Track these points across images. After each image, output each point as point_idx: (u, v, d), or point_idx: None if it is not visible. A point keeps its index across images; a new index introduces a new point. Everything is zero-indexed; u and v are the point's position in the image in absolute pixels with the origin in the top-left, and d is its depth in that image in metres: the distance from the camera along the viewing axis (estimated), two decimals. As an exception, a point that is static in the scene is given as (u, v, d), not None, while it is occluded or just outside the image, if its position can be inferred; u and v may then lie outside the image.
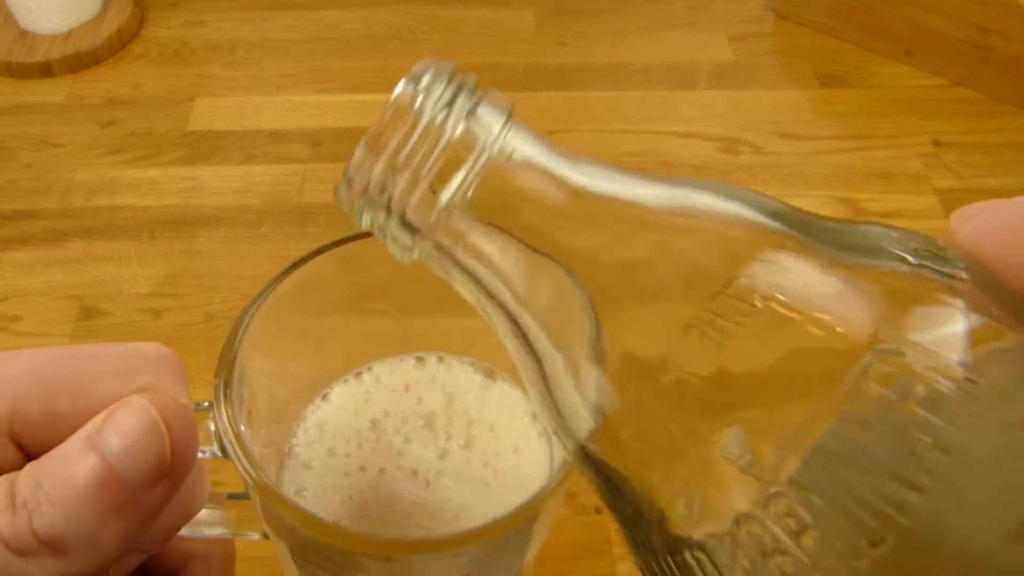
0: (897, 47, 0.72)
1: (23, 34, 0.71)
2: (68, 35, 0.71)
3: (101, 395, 0.16)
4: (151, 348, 0.19)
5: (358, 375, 0.24)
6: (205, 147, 0.64)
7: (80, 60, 0.70)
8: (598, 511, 0.45)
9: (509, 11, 0.77)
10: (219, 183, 0.62)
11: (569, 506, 0.45)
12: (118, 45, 0.72)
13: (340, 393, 0.23)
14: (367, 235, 0.22)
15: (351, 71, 0.71)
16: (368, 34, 0.75)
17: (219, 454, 0.20)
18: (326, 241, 0.57)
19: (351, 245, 0.25)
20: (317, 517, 0.18)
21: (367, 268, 0.25)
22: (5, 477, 0.14)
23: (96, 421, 0.15)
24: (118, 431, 0.15)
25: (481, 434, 0.22)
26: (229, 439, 0.19)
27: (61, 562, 0.14)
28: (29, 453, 0.15)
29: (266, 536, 0.24)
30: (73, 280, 0.55)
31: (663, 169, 0.63)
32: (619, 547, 0.43)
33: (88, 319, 0.53)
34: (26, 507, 0.13)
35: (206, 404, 0.20)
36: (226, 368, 0.20)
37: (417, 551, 0.17)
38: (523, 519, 0.18)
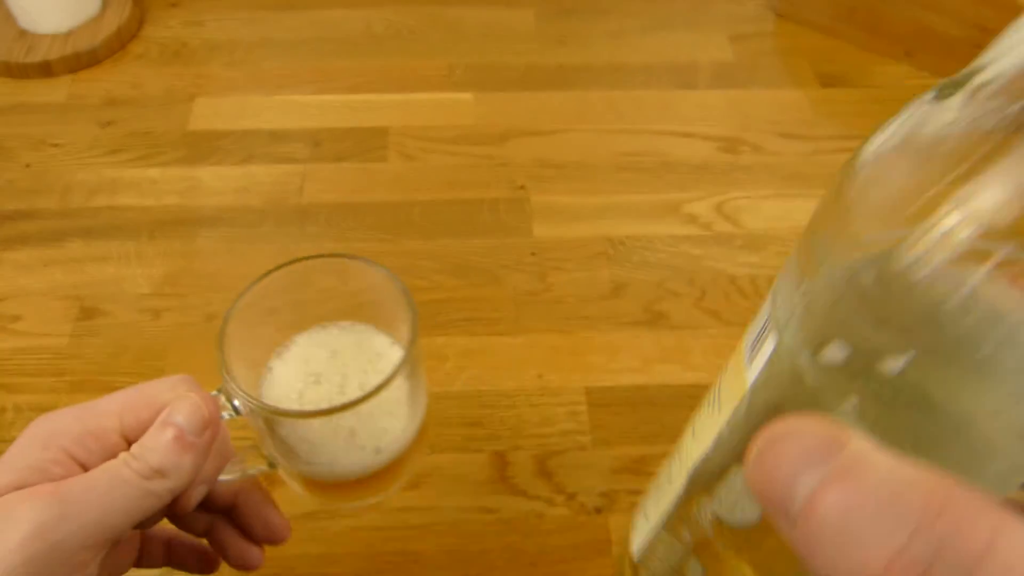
0: (897, 47, 0.72)
1: (23, 34, 0.71)
2: (68, 35, 0.71)
3: (163, 403, 0.30)
4: (179, 376, 0.31)
5: (284, 350, 0.37)
6: (205, 147, 0.64)
7: (80, 60, 0.70)
8: (598, 511, 0.45)
9: (509, 11, 0.77)
10: (219, 183, 0.62)
11: (569, 506, 0.45)
12: (118, 45, 0.72)
13: (280, 363, 0.37)
14: (312, 257, 0.35)
15: (351, 71, 0.71)
16: (368, 34, 0.75)
17: (233, 413, 0.32)
18: (326, 241, 0.58)
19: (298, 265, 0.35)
20: (284, 407, 0.34)
21: (309, 282, 0.36)
22: (124, 452, 0.28)
23: (165, 412, 0.29)
24: (180, 411, 0.29)
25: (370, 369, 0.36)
26: (235, 398, 0.32)
27: (165, 481, 0.28)
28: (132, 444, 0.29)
29: (272, 466, 0.36)
30: (73, 280, 0.55)
31: (663, 169, 0.63)
32: (619, 547, 0.43)
33: (88, 319, 0.53)
34: (142, 457, 0.28)
35: (216, 391, 0.32)
36: (221, 363, 0.32)
37: (321, 414, 0.31)
38: (381, 385, 0.31)
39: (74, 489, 0.26)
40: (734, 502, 0.18)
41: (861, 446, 0.13)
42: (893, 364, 0.15)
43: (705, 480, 0.19)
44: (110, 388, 0.50)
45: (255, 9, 0.77)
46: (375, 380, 0.31)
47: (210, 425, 0.29)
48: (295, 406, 0.34)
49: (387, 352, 0.37)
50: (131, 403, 0.30)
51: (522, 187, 0.62)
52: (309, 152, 0.64)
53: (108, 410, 0.30)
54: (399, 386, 0.32)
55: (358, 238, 0.58)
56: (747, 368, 0.17)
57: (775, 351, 0.16)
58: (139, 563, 0.34)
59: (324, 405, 0.33)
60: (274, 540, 0.35)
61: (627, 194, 0.61)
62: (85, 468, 0.28)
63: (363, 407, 0.31)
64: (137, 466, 0.28)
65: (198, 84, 0.69)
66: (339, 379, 0.35)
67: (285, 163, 0.63)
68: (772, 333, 0.16)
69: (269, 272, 0.34)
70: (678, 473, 0.21)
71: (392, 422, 0.34)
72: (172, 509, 0.31)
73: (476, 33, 0.75)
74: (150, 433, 0.28)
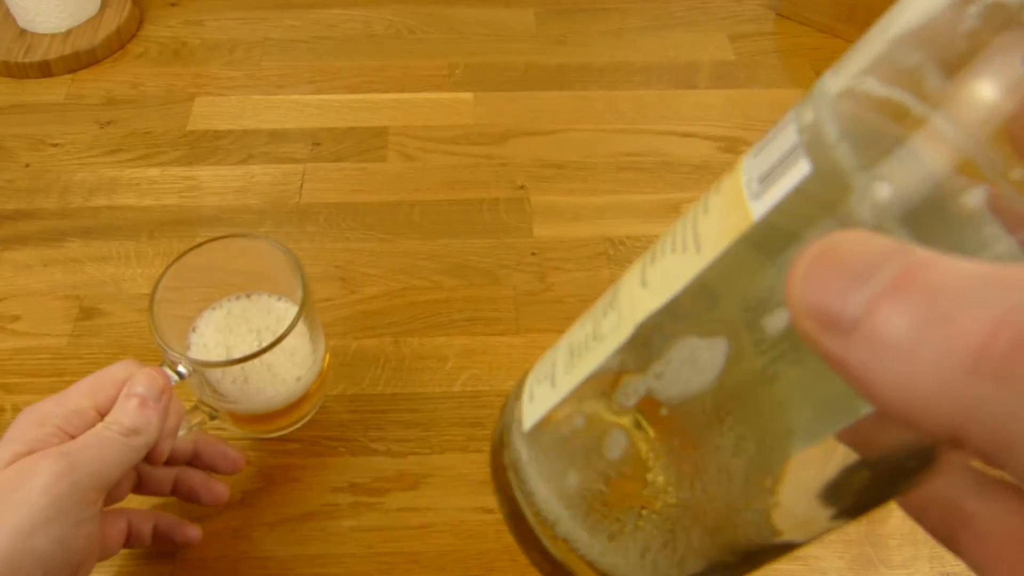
0: (897, 47, 0.72)
1: (22, 33, 0.71)
2: (67, 35, 0.71)
3: (123, 380, 0.37)
4: (127, 360, 0.39)
5: (195, 329, 0.45)
6: (204, 147, 0.64)
7: (79, 59, 0.70)
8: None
9: (509, 11, 0.77)
10: (218, 183, 0.61)
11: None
12: (117, 45, 0.72)
13: (197, 336, 0.45)
14: (227, 236, 0.44)
15: (351, 71, 0.71)
16: (368, 33, 0.75)
17: (177, 377, 0.39)
18: (325, 240, 0.58)
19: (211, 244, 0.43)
20: (213, 359, 0.43)
21: (225, 257, 0.44)
22: (102, 422, 0.36)
23: (127, 386, 0.37)
24: (139, 383, 0.37)
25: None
26: (179, 365, 0.40)
27: (140, 437, 0.35)
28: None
29: (212, 417, 0.44)
30: (72, 280, 0.55)
31: (663, 169, 0.63)
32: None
33: (87, 319, 0.53)
34: (118, 421, 0.35)
35: (160, 365, 0.39)
36: (158, 335, 0.40)
37: (247, 359, 0.40)
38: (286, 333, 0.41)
39: (74, 448, 0.34)
40: (683, 366, 0.16)
41: (931, 253, 0.11)
42: (969, 197, 0.13)
43: (652, 336, 0.17)
44: (109, 388, 0.50)
45: (255, 9, 0.76)
46: (281, 331, 0.41)
47: (165, 390, 0.37)
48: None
49: (287, 310, 0.46)
50: (98, 385, 0.37)
51: (522, 187, 0.62)
52: (309, 152, 0.64)
53: (81, 393, 0.36)
54: (301, 329, 0.42)
55: (358, 238, 0.58)
56: (752, 201, 0.16)
57: (809, 177, 0.15)
58: (128, 543, 0.40)
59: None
60: (235, 470, 0.43)
61: (627, 194, 0.61)
62: (73, 439, 0.35)
63: (277, 348, 0.40)
64: (117, 428, 0.35)
65: (198, 84, 0.69)
66: (255, 336, 0.45)
67: (285, 163, 0.63)
68: (804, 158, 0.15)
69: (177, 258, 0.42)
70: (615, 329, 0.19)
71: (302, 356, 0.44)
72: (149, 460, 0.38)
73: (476, 33, 0.75)
74: (119, 403, 0.36)
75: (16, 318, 0.53)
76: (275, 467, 0.47)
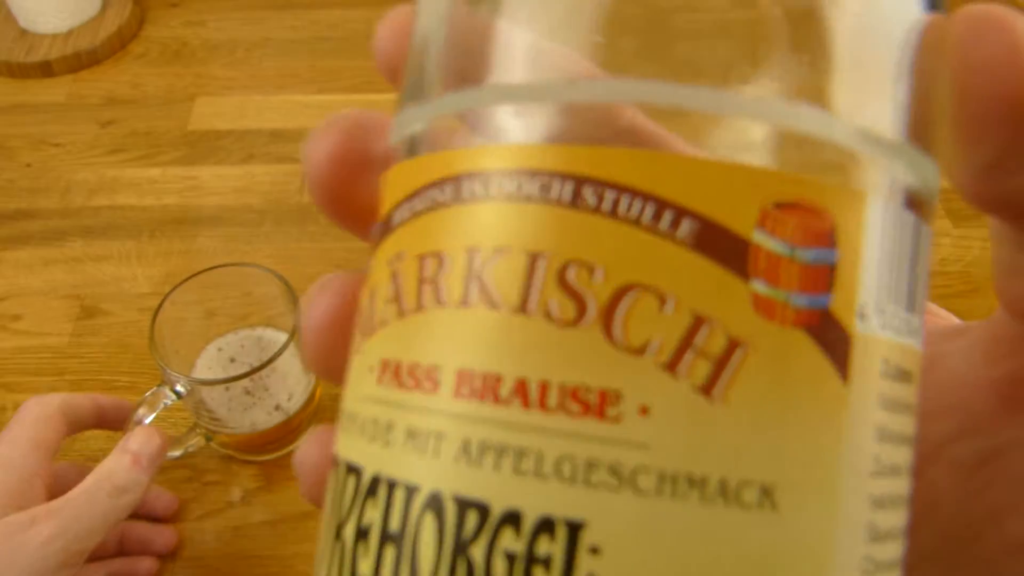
0: (897, 47, 0.72)
1: (23, 33, 0.71)
2: (68, 35, 0.71)
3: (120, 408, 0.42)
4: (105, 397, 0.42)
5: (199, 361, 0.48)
6: (205, 147, 0.64)
7: (80, 60, 0.70)
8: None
9: (509, 11, 0.77)
10: (219, 183, 0.62)
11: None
12: (118, 45, 0.72)
13: (204, 357, 0.48)
14: (223, 265, 0.46)
15: (351, 71, 0.71)
16: (368, 34, 0.74)
17: (175, 398, 0.41)
18: (326, 240, 0.58)
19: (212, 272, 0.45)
20: (208, 377, 0.46)
21: (220, 287, 0.46)
22: (91, 474, 0.37)
23: (123, 440, 0.38)
24: (136, 440, 0.38)
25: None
26: (177, 384, 0.41)
27: (127, 496, 0.36)
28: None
29: (208, 439, 0.46)
30: (73, 279, 0.55)
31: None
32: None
33: (88, 318, 0.53)
34: (109, 478, 0.36)
35: (158, 387, 0.41)
36: (158, 357, 0.42)
37: (240, 378, 0.42)
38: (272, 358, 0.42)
39: (63, 508, 0.35)
40: None
41: None
42: None
43: None
44: (110, 387, 0.50)
45: (255, 9, 0.77)
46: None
47: (159, 454, 0.38)
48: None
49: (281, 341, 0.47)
50: (100, 404, 0.41)
51: (522, 187, 0.62)
52: (309, 152, 0.64)
53: (69, 403, 0.40)
54: (292, 355, 0.44)
55: (358, 237, 0.58)
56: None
57: None
58: None
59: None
60: (170, 509, 0.44)
61: (627, 194, 0.61)
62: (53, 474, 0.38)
63: (270, 369, 0.42)
64: (108, 487, 0.36)
65: (198, 84, 0.69)
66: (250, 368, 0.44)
67: (285, 163, 0.63)
68: None
69: (177, 285, 0.44)
70: None
71: (294, 379, 0.46)
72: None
73: (476, 33, 0.75)
74: (113, 455, 0.38)
75: (17, 317, 0.53)
76: (276, 465, 0.47)
